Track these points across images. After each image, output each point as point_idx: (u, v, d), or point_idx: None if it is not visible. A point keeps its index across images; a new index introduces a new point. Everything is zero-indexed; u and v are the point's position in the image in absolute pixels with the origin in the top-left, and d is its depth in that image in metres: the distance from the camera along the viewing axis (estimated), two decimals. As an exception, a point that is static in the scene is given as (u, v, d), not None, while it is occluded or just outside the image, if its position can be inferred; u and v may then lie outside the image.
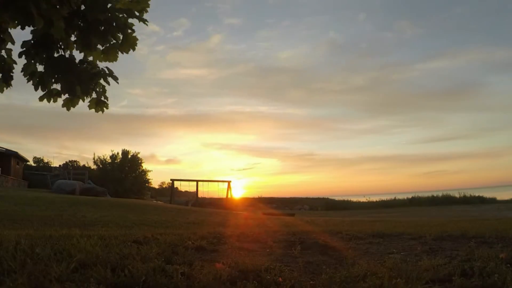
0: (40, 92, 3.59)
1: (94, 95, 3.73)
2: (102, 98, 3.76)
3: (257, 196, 43.34)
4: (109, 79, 3.68)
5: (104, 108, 3.79)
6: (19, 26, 2.99)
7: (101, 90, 3.72)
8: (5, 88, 3.58)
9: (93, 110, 3.78)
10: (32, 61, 3.46)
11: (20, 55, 3.41)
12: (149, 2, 3.37)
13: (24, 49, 3.40)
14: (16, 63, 3.54)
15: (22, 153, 31.05)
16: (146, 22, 3.42)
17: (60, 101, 3.70)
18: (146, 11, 3.41)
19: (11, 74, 3.54)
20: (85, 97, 3.68)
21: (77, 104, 3.72)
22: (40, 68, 3.52)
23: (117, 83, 3.73)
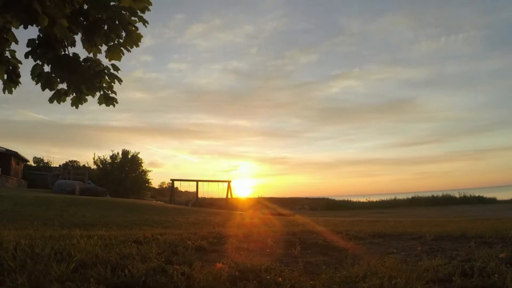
0: (47, 94, 3.61)
1: (101, 92, 3.75)
2: (111, 94, 3.78)
3: (257, 196, 43.32)
4: (115, 76, 3.70)
5: (115, 103, 3.81)
6: (22, 26, 3.00)
7: (107, 86, 3.74)
8: (13, 89, 3.59)
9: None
10: (39, 61, 3.47)
11: (26, 56, 3.41)
12: (150, 0, 3.38)
13: (30, 48, 3.40)
14: (21, 63, 3.55)
15: (22, 153, 31.06)
16: (146, 24, 3.43)
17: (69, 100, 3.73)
18: (149, 10, 3.41)
19: (17, 73, 3.56)
20: (94, 94, 3.72)
21: (86, 101, 3.75)
22: (46, 68, 3.53)
23: (120, 83, 3.74)
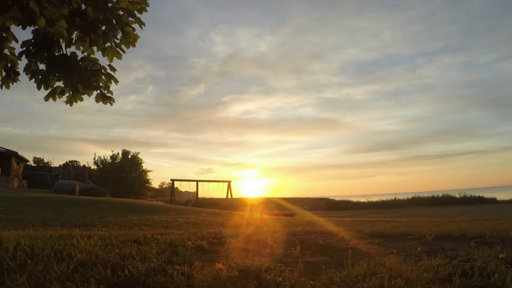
0: (43, 92, 3.62)
1: (98, 91, 3.76)
2: (107, 93, 3.79)
3: (257, 196, 43.30)
4: (111, 76, 3.71)
5: (112, 102, 3.83)
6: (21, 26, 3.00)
7: (104, 85, 3.75)
8: (11, 84, 3.61)
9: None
10: (33, 60, 3.48)
11: (20, 55, 3.42)
12: (147, 1, 3.39)
13: (24, 48, 3.42)
14: (20, 60, 3.55)
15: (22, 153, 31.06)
16: (142, 26, 3.44)
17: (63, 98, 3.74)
18: (146, 11, 3.42)
19: (16, 70, 3.57)
20: (90, 93, 3.73)
21: (81, 100, 3.77)
22: (41, 66, 3.54)
23: (116, 84, 3.75)
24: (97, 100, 3.79)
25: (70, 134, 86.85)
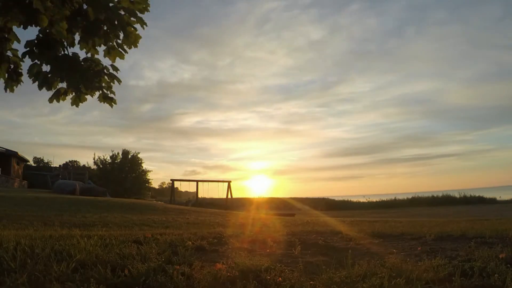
0: (45, 94, 3.62)
1: (100, 91, 3.76)
2: (109, 94, 3.79)
3: (257, 197, 43.32)
4: (114, 77, 3.72)
5: (113, 104, 3.82)
6: (22, 26, 3.00)
7: (106, 86, 3.75)
8: (15, 87, 3.60)
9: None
10: (37, 61, 3.47)
11: (23, 55, 3.42)
12: (148, 2, 3.39)
13: (28, 49, 3.41)
14: (23, 61, 3.55)
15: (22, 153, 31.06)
16: (144, 26, 3.44)
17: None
18: (147, 10, 3.42)
19: (19, 72, 3.56)
20: (93, 94, 3.73)
21: (85, 100, 3.77)
22: (45, 68, 3.54)
23: (119, 84, 3.75)
24: (99, 101, 3.79)
25: (50, 140, 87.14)
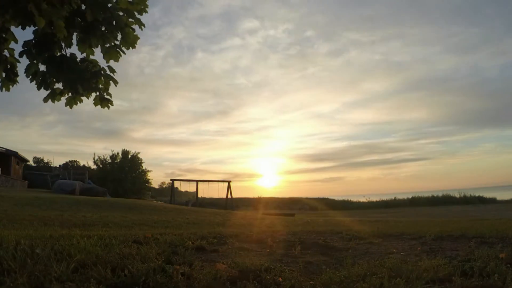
0: (43, 93, 3.62)
1: (97, 93, 3.75)
2: (106, 96, 3.78)
3: (257, 196, 43.32)
4: (110, 78, 3.71)
5: (109, 105, 3.81)
6: (21, 26, 3.00)
7: (103, 87, 3.74)
8: (11, 86, 3.60)
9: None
10: (34, 61, 3.47)
11: (21, 55, 3.42)
12: (147, 3, 3.39)
13: (25, 48, 3.41)
14: (19, 62, 3.55)
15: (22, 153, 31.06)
16: (142, 27, 3.44)
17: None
18: (146, 11, 3.42)
19: (15, 72, 3.56)
20: (88, 95, 3.72)
21: (81, 102, 3.76)
22: (42, 67, 3.54)
23: (115, 85, 3.74)
24: (95, 103, 3.77)
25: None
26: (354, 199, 40.94)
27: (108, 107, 3.81)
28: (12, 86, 3.60)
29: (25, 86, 3.76)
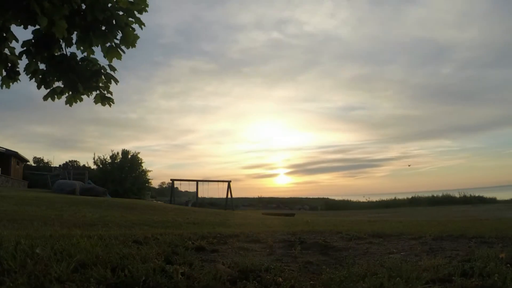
0: (43, 90, 3.63)
1: (97, 91, 3.77)
2: (107, 94, 3.79)
3: (257, 196, 43.34)
4: (111, 77, 3.72)
5: (111, 103, 3.82)
6: (22, 25, 3.01)
7: (104, 86, 3.76)
8: (11, 84, 3.61)
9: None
10: (34, 60, 3.48)
11: (20, 55, 3.43)
12: (147, 2, 3.39)
13: (25, 48, 3.42)
14: (20, 59, 3.56)
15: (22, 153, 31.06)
16: (142, 26, 3.45)
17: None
18: (146, 11, 3.42)
19: (16, 70, 3.58)
20: (89, 93, 3.73)
21: (81, 100, 3.78)
22: (42, 66, 3.55)
23: (116, 84, 3.75)
24: (95, 101, 3.79)
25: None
26: (354, 199, 40.99)
27: (110, 105, 3.83)
28: (13, 84, 3.62)
29: (25, 85, 3.77)
